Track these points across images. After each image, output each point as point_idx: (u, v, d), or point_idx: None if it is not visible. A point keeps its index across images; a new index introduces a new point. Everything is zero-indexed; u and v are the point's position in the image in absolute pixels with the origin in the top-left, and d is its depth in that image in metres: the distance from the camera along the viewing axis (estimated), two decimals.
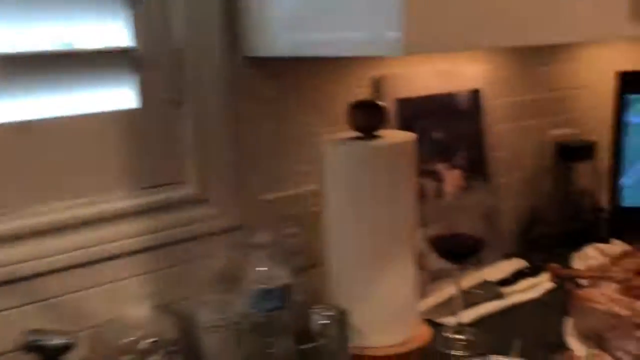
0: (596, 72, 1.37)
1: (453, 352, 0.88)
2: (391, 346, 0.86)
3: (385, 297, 0.85)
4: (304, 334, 0.78)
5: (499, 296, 1.03)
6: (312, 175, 0.93)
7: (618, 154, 1.24)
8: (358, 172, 0.82)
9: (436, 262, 0.98)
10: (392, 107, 1.01)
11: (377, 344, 0.85)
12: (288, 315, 0.78)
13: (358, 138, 0.85)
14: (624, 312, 0.81)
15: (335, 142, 0.85)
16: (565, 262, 1.13)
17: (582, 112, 1.38)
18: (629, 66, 1.31)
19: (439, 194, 0.91)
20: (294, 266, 0.82)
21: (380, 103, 0.87)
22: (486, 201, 1.11)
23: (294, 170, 0.94)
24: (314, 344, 0.76)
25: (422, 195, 0.92)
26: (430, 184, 0.94)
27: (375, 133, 0.85)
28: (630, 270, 0.89)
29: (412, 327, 0.89)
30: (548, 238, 1.23)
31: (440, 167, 1.07)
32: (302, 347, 0.73)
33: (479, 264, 1.12)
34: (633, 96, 1.20)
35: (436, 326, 0.94)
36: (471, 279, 1.08)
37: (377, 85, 1.01)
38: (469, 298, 1.01)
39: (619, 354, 0.81)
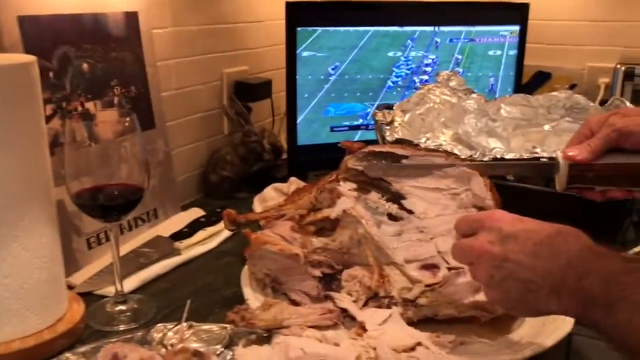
0: (270, 4, 1.31)
1: (113, 329, 0.72)
2: (26, 337, 0.66)
3: (13, 279, 0.65)
4: None
5: (174, 252, 0.90)
6: None
7: (293, 91, 1.20)
8: None
9: (91, 222, 0.81)
10: (13, 27, 0.77)
11: (6, 338, 0.65)
12: None
13: None
14: (298, 250, 0.75)
15: None
16: (247, 206, 1.05)
17: (259, 48, 1.31)
18: None
19: (89, 139, 0.72)
20: None
21: None
22: (150, 146, 0.97)
23: None
24: None
25: (63, 141, 0.72)
26: (77, 127, 0.74)
27: None
28: (303, 207, 0.84)
29: (58, 308, 0.70)
30: (229, 182, 1.15)
31: (90, 106, 0.87)
32: None
33: (154, 219, 0.98)
34: (302, 29, 1.16)
35: (96, 300, 0.77)
36: (141, 237, 0.93)
37: None
38: (138, 259, 0.87)
39: (295, 295, 0.75)
